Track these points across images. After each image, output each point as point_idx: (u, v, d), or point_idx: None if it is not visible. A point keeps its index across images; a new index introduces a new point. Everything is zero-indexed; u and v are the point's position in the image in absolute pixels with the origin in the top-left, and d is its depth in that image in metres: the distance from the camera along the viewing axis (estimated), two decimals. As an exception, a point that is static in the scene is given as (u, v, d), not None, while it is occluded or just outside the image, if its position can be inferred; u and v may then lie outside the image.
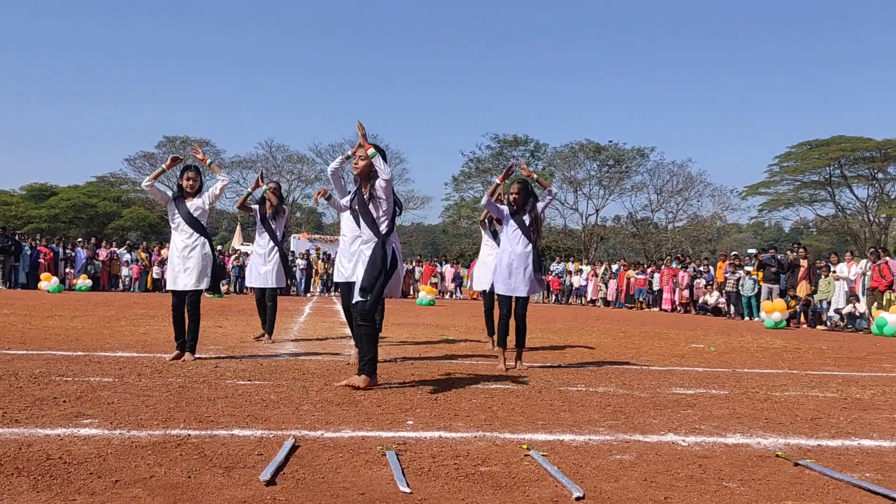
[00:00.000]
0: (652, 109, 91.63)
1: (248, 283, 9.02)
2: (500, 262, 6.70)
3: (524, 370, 6.50)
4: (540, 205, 6.72)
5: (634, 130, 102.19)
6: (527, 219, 6.62)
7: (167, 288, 6.74)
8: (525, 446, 3.52)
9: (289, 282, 9.28)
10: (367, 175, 5.24)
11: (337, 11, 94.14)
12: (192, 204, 6.60)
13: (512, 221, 6.64)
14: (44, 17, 79.73)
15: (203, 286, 6.56)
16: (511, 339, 6.75)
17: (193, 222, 6.57)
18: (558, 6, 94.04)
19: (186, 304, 6.53)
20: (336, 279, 6.78)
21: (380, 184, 5.10)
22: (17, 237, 22.87)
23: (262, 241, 8.40)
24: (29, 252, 21.99)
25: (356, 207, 5.41)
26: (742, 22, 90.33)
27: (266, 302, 8.38)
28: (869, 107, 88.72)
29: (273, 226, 8.39)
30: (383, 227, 5.14)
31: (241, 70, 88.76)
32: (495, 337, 6.76)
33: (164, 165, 6.73)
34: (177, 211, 6.57)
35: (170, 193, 6.78)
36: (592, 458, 3.39)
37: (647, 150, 43.73)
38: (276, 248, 8.35)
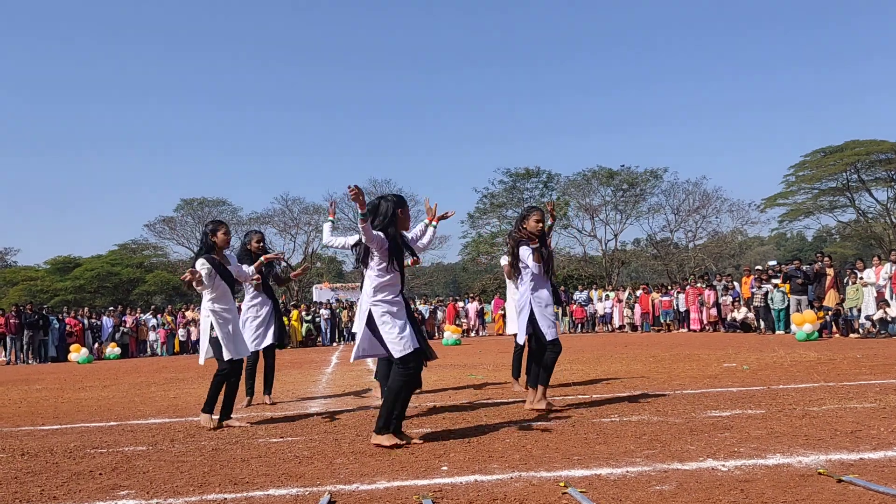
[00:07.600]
0: (662, 130, 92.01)
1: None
2: (539, 305, 6.18)
3: (549, 407, 6.11)
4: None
5: (646, 153, 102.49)
6: (545, 252, 6.16)
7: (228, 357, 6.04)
8: (562, 484, 3.49)
9: (284, 341, 8.08)
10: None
11: (335, 53, 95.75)
12: (230, 268, 6.18)
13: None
14: (44, 61, 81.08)
15: (241, 354, 6.18)
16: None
17: (233, 283, 6.16)
18: (548, 33, 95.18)
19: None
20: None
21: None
22: (43, 311, 23.21)
23: (251, 294, 7.56)
24: (57, 325, 22.27)
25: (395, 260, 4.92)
26: (739, 28, 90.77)
27: (267, 361, 7.64)
28: (880, 109, 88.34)
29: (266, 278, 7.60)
30: None
31: (251, 120, 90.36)
32: (521, 378, 6.39)
33: (189, 272, 5.84)
34: (220, 278, 6.04)
35: (203, 271, 5.97)
36: (632, 492, 3.35)
37: (661, 172, 43.73)
38: (269, 300, 7.57)
